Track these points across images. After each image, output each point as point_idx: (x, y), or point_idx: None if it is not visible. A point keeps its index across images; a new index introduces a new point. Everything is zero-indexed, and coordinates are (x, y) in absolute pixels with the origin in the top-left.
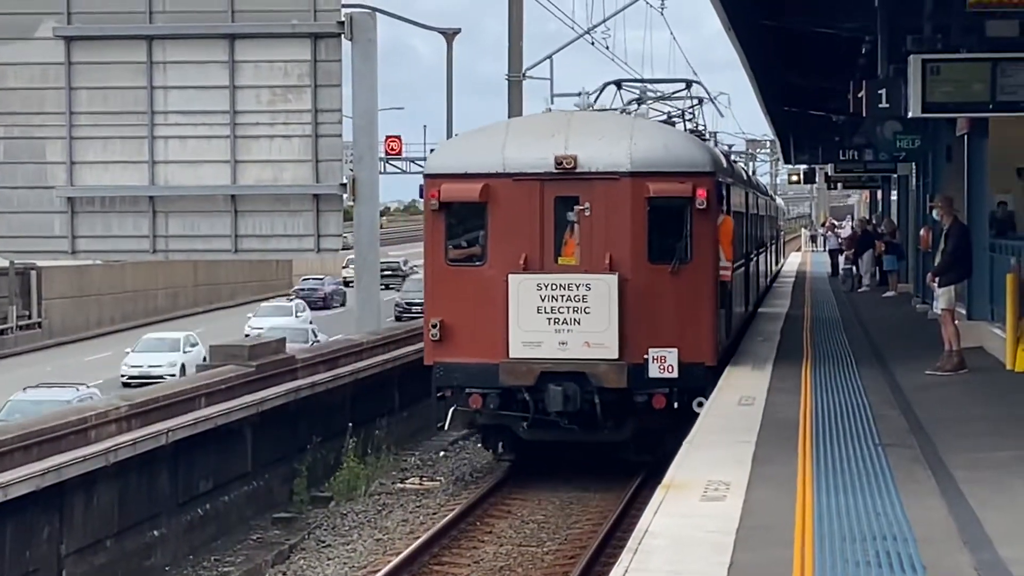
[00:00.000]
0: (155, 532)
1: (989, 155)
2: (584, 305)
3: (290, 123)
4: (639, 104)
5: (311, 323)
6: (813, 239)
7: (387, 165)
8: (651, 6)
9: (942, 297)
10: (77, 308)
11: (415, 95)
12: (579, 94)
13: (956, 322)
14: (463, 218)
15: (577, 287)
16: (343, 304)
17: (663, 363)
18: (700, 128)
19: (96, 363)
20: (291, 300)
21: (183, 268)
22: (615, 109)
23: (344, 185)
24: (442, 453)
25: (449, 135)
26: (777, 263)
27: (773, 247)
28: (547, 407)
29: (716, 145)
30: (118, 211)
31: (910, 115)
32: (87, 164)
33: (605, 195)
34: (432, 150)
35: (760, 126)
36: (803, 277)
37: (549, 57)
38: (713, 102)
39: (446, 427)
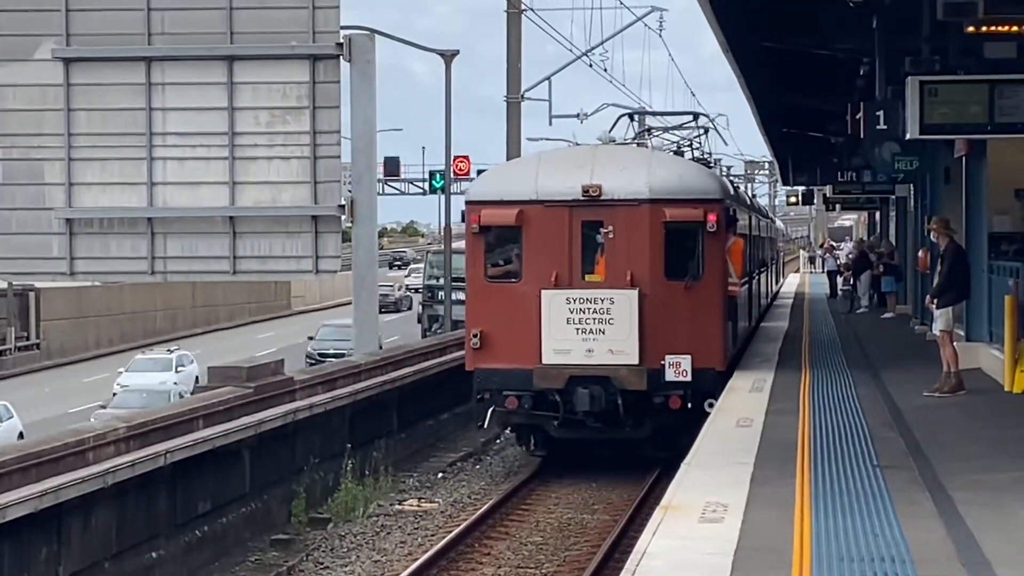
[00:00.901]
0: (153, 554)
1: (987, 176)
2: (608, 317)
3: (289, 144)
4: (649, 133)
5: (196, 378)
6: (812, 260)
7: (385, 186)
8: (649, 28)
9: (939, 319)
10: (75, 329)
11: (413, 116)
12: (577, 115)
13: (954, 343)
14: (501, 240)
15: (602, 301)
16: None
17: (678, 368)
18: (706, 155)
19: (94, 384)
20: (173, 351)
21: (181, 289)
22: (632, 140)
23: (342, 206)
24: (440, 475)
25: (448, 157)
26: (777, 283)
27: (773, 267)
28: (575, 407)
29: (721, 171)
30: (116, 232)
31: (908, 137)
32: (85, 185)
33: (626, 219)
34: (430, 172)
35: (758, 147)
36: (802, 298)
37: (547, 79)
38: (717, 131)
39: (485, 425)
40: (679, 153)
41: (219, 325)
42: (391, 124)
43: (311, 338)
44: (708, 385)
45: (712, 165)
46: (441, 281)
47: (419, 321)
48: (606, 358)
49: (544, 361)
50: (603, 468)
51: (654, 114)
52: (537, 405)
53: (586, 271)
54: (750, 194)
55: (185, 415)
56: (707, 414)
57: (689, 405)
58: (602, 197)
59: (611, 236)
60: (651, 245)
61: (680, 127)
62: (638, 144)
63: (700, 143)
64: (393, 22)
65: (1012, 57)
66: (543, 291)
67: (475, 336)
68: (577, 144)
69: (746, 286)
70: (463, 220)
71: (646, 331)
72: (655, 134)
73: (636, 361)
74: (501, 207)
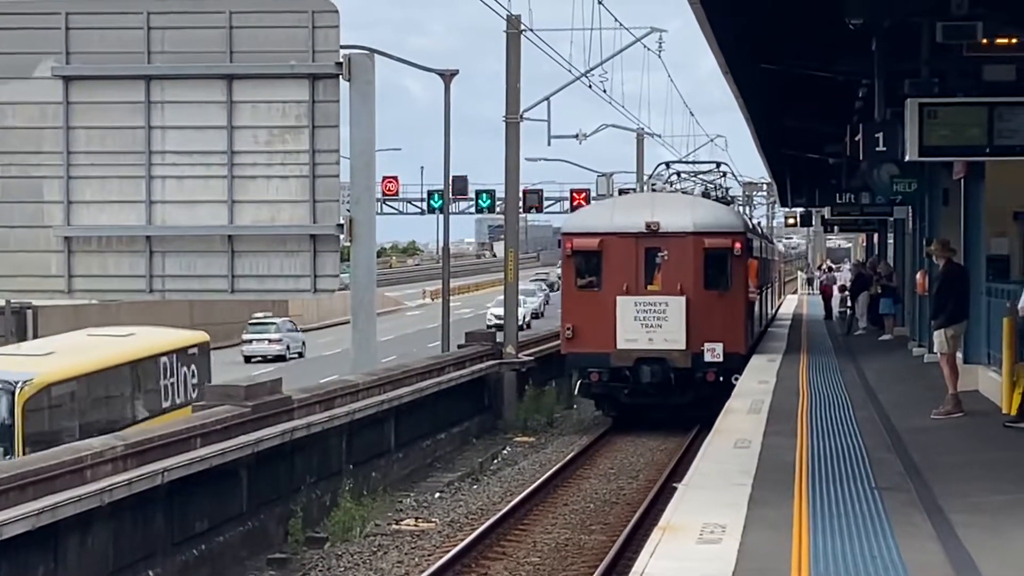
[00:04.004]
0: (150, 572)
1: (985, 198)
2: (664, 315)
3: (287, 163)
4: (679, 176)
5: None
6: (810, 282)
7: (384, 206)
8: (648, 49)
9: (936, 340)
10: None
11: (408, 136)
12: (576, 136)
13: (951, 365)
14: (587, 260)
15: (659, 304)
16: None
17: (714, 352)
18: (727, 194)
19: None
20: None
21: (179, 308)
22: (664, 181)
23: (341, 226)
24: (438, 494)
25: (447, 177)
26: (778, 298)
27: (776, 285)
28: (640, 380)
29: (737, 206)
30: (115, 251)
31: (907, 159)
32: (84, 203)
33: (677, 246)
34: (429, 192)
35: (757, 168)
36: (799, 319)
37: (547, 99)
38: (735, 176)
39: (576, 393)
40: (706, 194)
41: (217, 344)
42: (386, 143)
43: None
44: (735, 364)
45: (730, 202)
46: None
47: None
48: (662, 345)
49: (618, 347)
50: (602, 483)
51: (684, 162)
52: (613, 378)
53: (648, 283)
54: (749, 215)
55: (182, 434)
56: (732, 385)
57: (721, 379)
58: (660, 230)
59: (666, 258)
60: (694, 265)
61: (707, 172)
62: (680, 190)
63: (722, 184)
64: (389, 41)
65: (1011, 80)
66: (618, 297)
67: (568, 329)
68: (640, 191)
69: (759, 295)
70: (559, 246)
71: (691, 326)
72: (684, 177)
73: (684, 347)
74: (587, 237)
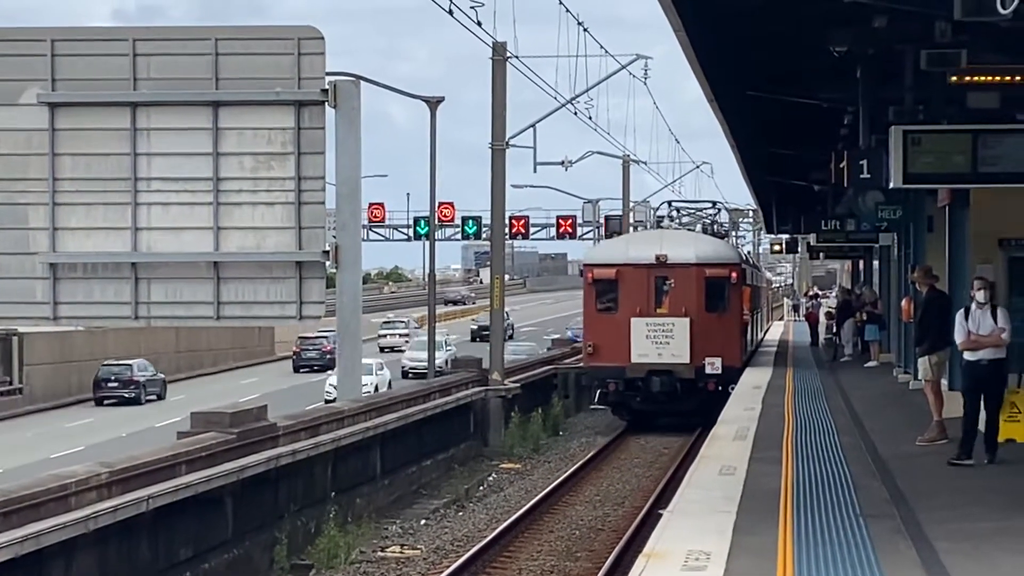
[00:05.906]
0: None
1: (970, 225)
2: (671, 334)
3: (273, 190)
4: (678, 212)
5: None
6: (796, 308)
7: (370, 232)
8: (633, 76)
9: (920, 367)
10: (58, 374)
11: (392, 162)
12: (562, 163)
13: (936, 392)
14: (605, 287)
15: (667, 324)
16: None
17: (713, 365)
18: (722, 228)
19: (76, 429)
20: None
21: (165, 334)
22: (665, 217)
23: (327, 252)
24: (423, 521)
25: (433, 203)
26: (767, 322)
27: (765, 309)
28: (651, 389)
29: (732, 240)
30: (100, 277)
31: (891, 186)
32: (70, 230)
33: (682, 275)
34: (415, 219)
35: (742, 195)
36: (785, 346)
37: (532, 126)
38: (727, 211)
39: (595, 403)
40: (705, 229)
41: (203, 370)
42: (371, 170)
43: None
44: (731, 376)
45: (725, 236)
46: None
47: None
48: (670, 359)
49: (632, 361)
50: (588, 510)
51: (685, 202)
52: (627, 388)
53: (657, 306)
54: (736, 243)
55: (167, 461)
56: (728, 393)
57: (719, 388)
58: (667, 261)
59: (673, 285)
60: (697, 291)
61: (704, 210)
62: (685, 227)
63: (717, 219)
64: (373, 68)
65: (995, 107)
66: (632, 318)
67: (589, 346)
68: (649, 228)
69: (751, 317)
70: (581, 274)
71: (694, 343)
72: (684, 213)
73: (688, 361)
74: (605, 268)
